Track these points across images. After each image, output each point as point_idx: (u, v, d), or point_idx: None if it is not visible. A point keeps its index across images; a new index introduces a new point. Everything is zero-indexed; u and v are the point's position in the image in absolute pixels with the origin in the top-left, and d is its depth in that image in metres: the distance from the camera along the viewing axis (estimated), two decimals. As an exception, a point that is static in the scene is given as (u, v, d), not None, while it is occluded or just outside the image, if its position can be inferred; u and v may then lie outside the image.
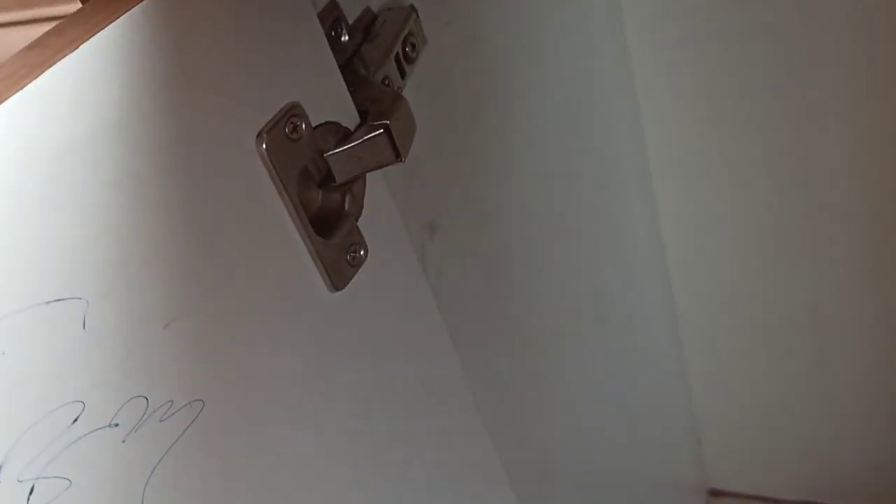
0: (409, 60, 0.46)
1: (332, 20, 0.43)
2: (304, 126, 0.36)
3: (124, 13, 0.29)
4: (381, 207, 0.42)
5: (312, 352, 0.38)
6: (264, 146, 0.34)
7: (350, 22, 0.45)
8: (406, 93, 0.48)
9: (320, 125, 0.37)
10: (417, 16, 0.47)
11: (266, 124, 0.34)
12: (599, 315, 0.82)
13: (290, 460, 0.37)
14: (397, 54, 0.44)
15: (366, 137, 0.38)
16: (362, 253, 0.40)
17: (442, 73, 0.54)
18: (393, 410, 0.44)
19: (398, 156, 0.39)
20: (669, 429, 1.12)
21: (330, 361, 0.39)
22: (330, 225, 0.39)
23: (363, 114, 0.40)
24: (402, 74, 0.45)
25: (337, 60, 0.43)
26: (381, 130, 0.38)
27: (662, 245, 1.03)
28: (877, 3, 0.76)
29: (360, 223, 0.40)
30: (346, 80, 0.42)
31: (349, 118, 0.39)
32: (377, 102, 0.40)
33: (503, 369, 0.63)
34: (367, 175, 0.41)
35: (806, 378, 1.09)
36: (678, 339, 1.12)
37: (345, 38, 0.44)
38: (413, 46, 0.46)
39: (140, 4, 0.29)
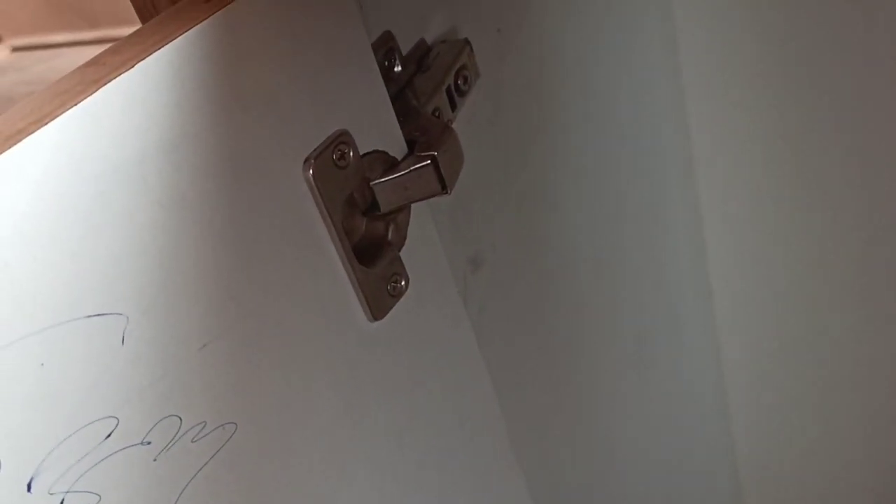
0: (461, 93, 0.46)
1: (385, 50, 0.43)
2: (351, 154, 0.36)
3: (181, 34, 0.29)
4: (424, 239, 0.42)
5: (348, 381, 0.38)
6: (311, 172, 0.34)
7: (404, 53, 0.45)
8: (457, 125, 0.48)
9: (368, 153, 0.37)
10: (471, 49, 0.47)
11: (314, 150, 0.34)
12: (639, 358, 0.80)
13: (319, 489, 0.37)
14: (449, 87, 0.44)
15: (412, 168, 0.38)
16: (403, 283, 0.40)
17: (494, 106, 0.54)
18: (426, 445, 0.43)
19: (444, 188, 0.39)
20: (709, 478, 1.09)
21: (365, 391, 0.39)
22: (372, 254, 0.38)
23: (411, 144, 0.40)
24: (454, 107, 0.45)
25: (389, 91, 0.43)
26: (429, 161, 0.38)
27: (710, 291, 1.01)
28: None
29: (402, 254, 0.40)
30: (396, 110, 0.42)
31: (397, 148, 0.39)
32: (426, 133, 0.40)
33: (541, 409, 0.62)
34: (413, 206, 0.41)
35: (856, 433, 1.06)
36: (723, 388, 1.09)
37: (398, 68, 0.44)
38: (465, 79, 0.46)
39: (197, 26, 0.30)
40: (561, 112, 0.63)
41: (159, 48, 0.29)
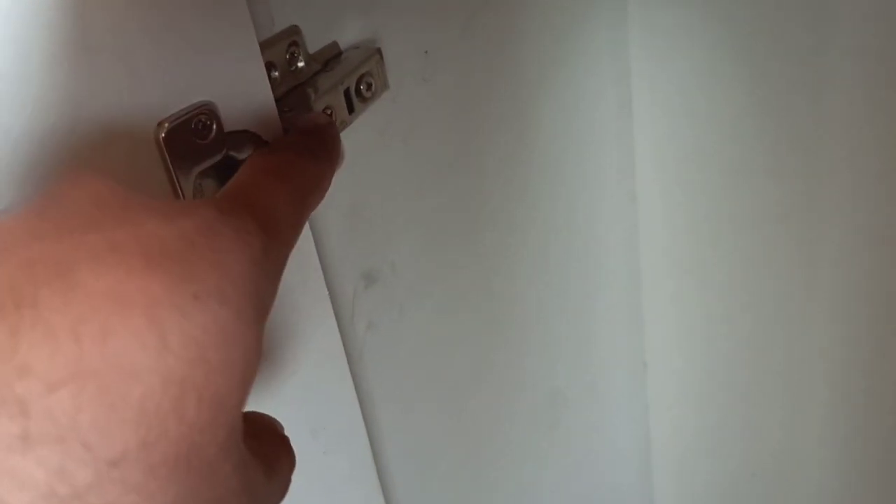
0: (363, 99, 0.45)
1: (289, 42, 0.43)
2: (214, 127, 0.35)
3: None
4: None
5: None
6: (163, 135, 0.33)
7: (312, 52, 0.45)
8: (360, 134, 0.48)
9: (235, 132, 0.37)
10: (381, 57, 0.46)
11: (171, 115, 0.34)
12: (553, 414, 0.78)
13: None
14: (348, 88, 0.44)
15: (283, 154, 0.37)
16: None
17: (410, 124, 0.53)
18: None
19: (316, 181, 0.38)
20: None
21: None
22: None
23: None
24: (351, 109, 0.44)
25: (286, 84, 0.43)
26: (300, 150, 0.37)
27: (643, 363, 1.00)
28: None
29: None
30: (289, 102, 0.42)
31: (272, 134, 0.39)
32: (305, 124, 0.39)
33: (428, 445, 0.61)
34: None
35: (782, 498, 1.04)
36: (648, 467, 1.07)
37: (301, 63, 0.43)
38: (369, 86, 0.45)
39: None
40: (489, 146, 0.62)
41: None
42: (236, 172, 0.32)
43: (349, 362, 0.50)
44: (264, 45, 0.41)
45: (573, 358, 0.81)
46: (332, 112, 0.43)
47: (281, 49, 0.42)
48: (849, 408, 0.91)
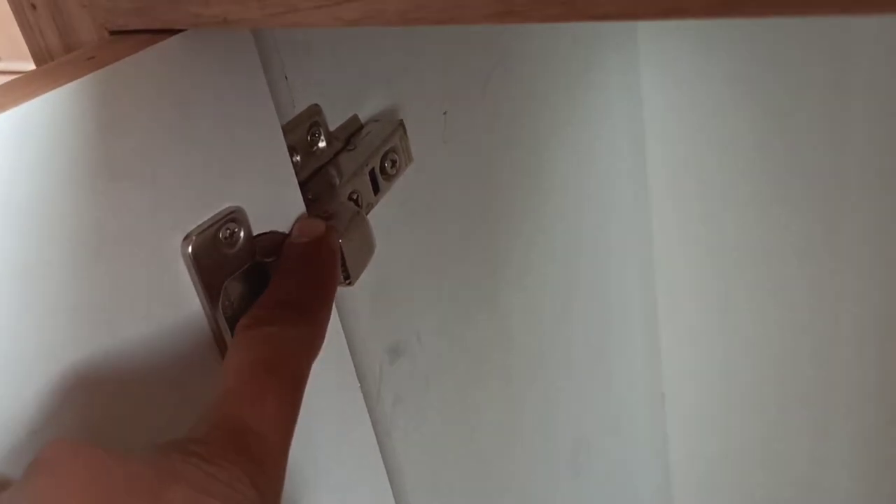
0: (388, 176, 0.43)
1: (309, 124, 0.41)
2: (242, 233, 0.33)
3: (49, 90, 0.27)
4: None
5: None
6: (190, 249, 0.31)
7: (333, 128, 0.43)
8: (386, 208, 0.46)
9: (264, 234, 0.35)
10: (404, 131, 0.45)
11: (198, 227, 0.32)
12: (577, 465, 0.77)
13: None
14: (373, 169, 0.42)
15: (313, 254, 0.36)
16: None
17: (432, 192, 0.51)
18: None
19: (347, 278, 0.36)
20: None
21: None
22: (259, 341, 0.35)
23: (318, 227, 0.37)
24: (376, 190, 0.42)
25: (310, 166, 0.41)
26: (331, 249, 0.36)
27: (661, 394, 0.98)
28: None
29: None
30: (314, 188, 0.40)
31: (300, 229, 0.37)
32: (334, 218, 0.37)
33: (458, 511, 0.59)
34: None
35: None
36: (670, 500, 1.05)
37: (322, 143, 0.41)
38: (394, 163, 0.43)
39: (69, 84, 0.27)
40: (509, 204, 0.60)
41: (21, 102, 0.26)
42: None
43: (378, 439, 0.49)
44: (285, 130, 0.39)
45: (595, 402, 0.80)
46: (358, 197, 0.41)
47: (302, 131, 0.40)
48: (873, 437, 0.90)
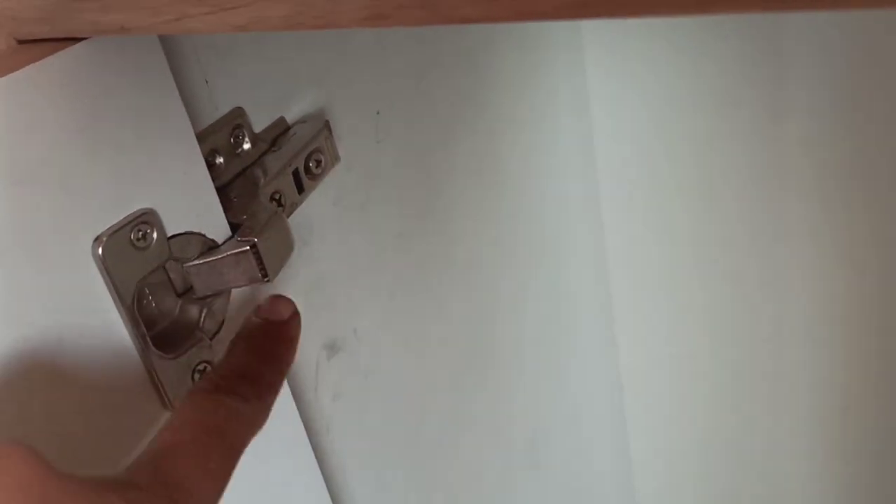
0: (313, 176, 0.44)
1: (233, 126, 0.41)
2: (155, 234, 0.34)
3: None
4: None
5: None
6: (101, 251, 0.32)
7: (259, 130, 0.44)
8: (313, 209, 0.47)
9: (179, 235, 0.36)
10: (330, 131, 0.45)
11: (108, 229, 0.32)
12: (534, 457, 0.78)
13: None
14: (297, 169, 0.43)
15: (229, 253, 0.36)
16: (212, 373, 0.37)
17: (367, 191, 0.52)
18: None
19: (265, 275, 0.37)
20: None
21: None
22: (177, 340, 0.36)
23: (236, 228, 0.38)
24: (300, 189, 0.43)
25: (233, 168, 0.42)
26: (248, 247, 0.36)
27: (619, 385, 0.99)
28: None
29: (215, 341, 0.38)
30: (237, 190, 0.41)
31: (219, 231, 0.37)
32: (252, 218, 0.38)
33: (404, 505, 0.60)
34: (237, 292, 0.39)
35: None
36: (631, 492, 1.07)
37: (247, 145, 0.42)
38: (318, 163, 0.44)
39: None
40: (450, 202, 0.61)
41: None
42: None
43: (316, 436, 0.50)
44: (206, 133, 0.40)
45: (551, 395, 0.81)
46: (280, 196, 0.42)
47: (225, 134, 0.41)
48: (830, 423, 0.91)
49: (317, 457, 0.48)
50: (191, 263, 0.36)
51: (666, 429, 1.02)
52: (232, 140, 0.42)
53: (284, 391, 0.44)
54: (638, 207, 0.86)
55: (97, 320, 0.33)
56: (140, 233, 0.33)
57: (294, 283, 0.47)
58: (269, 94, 0.44)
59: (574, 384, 0.87)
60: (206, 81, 0.40)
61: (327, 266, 0.49)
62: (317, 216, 0.48)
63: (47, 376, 0.32)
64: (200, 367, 0.37)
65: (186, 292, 0.37)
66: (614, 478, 1.00)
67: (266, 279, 0.37)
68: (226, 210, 0.38)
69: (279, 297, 0.38)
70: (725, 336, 0.92)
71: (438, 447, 0.62)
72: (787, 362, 0.90)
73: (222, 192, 0.39)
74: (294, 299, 0.47)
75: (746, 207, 0.82)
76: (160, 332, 0.36)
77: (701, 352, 0.94)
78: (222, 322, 0.38)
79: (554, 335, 0.81)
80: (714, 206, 0.82)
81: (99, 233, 0.32)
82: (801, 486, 0.97)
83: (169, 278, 0.37)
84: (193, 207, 0.36)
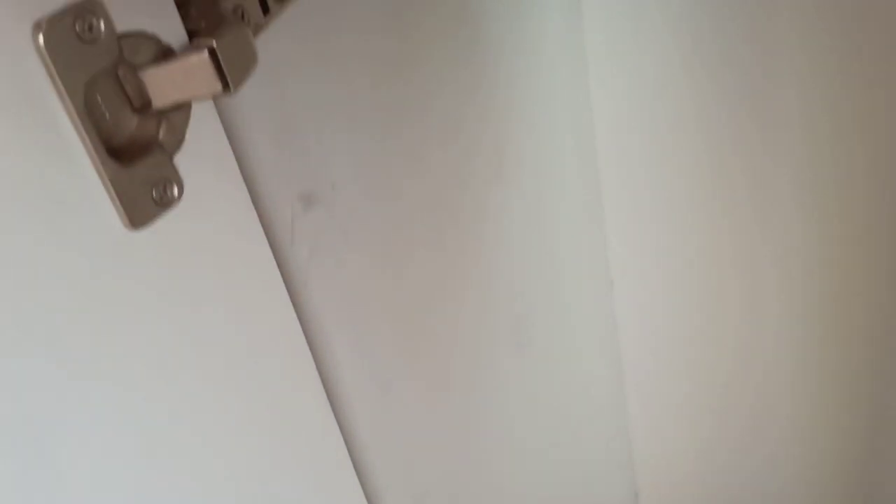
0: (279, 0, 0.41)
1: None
2: (102, 27, 0.31)
3: None
4: (212, 145, 0.37)
5: (94, 289, 0.33)
6: (41, 39, 0.29)
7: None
8: (280, 43, 0.44)
9: (129, 34, 0.33)
10: (296, -46, 0.42)
11: (49, 14, 0.30)
12: (520, 337, 0.76)
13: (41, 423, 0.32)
14: (261, -13, 0.40)
15: (187, 58, 0.34)
16: (175, 192, 0.35)
17: (339, 32, 0.49)
18: (204, 377, 0.38)
19: (226, 85, 0.35)
20: (606, 480, 1.05)
21: (116, 304, 0.34)
22: (135, 153, 0.34)
23: (193, 34, 0.35)
24: (265, 10, 0.40)
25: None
26: (205, 52, 0.34)
27: (610, 281, 0.98)
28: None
29: (178, 158, 0.35)
30: (196, 1, 0.38)
31: (174, 36, 0.35)
32: (211, 24, 0.35)
33: (389, 372, 0.58)
34: (196, 106, 0.36)
35: (758, 444, 1.03)
36: (621, 386, 1.06)
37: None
38: (286, -16, 0.41)
39: None
40: (432, 52, 0.58)
41: None
42: None
43: (294, 290, 0.47)
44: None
45: (539, 278, 0.79)
46: (243, 14, 0.39)
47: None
48: (814, 368, 0.91)
49: (296, 311, 0.46)
50: (145, 70, 0.33)
51: (655, 325, 1.01)
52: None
53: (261, 241, 0.42)
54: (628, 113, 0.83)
55: (40, 121, 0.30)
56: (85, 24, 0.31)
57: (262, 122, 0.44)
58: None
59: (562, 270, 0.85)
60: None
61: (299, 110, 0.47)
62: (285, 54, 0.45)
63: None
64: (161, 184, 0.34)
65: (144, 107, 0.35)
66: (604, 366, 0.99)
67: (227, 89, 0.34)
68: (183, 19, 0.35)
69: None
70: (713, 230, 0.90)
71: (422, 309, 0.60)
72: (770, 302, 0.90)
73: (180, 2, 0.36)
74: (263, 140, 0.45)
75: (741, 139, 0.80)
76: (115, 148, 0.34)
77: (691, 251, 0.92)
78: (182, 137, 0.36)
79: (539, 213, 0.79)
80: (710, 136, 0.81)
81: (37, 18, 0.29)
82: (784, 425, 0.97)
83: (124, 90, 0.34)
84: (145, 5, 0.33)
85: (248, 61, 0.36)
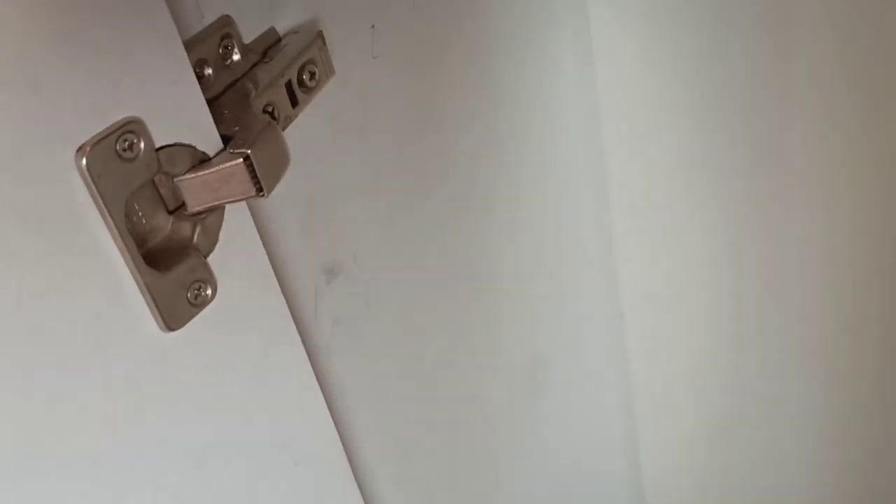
0: (307, 89, 0.42)
1: (221, 35, 0.39)
2: (142, 144, 0.32)
3: None
4: (243, 244, 0.38)
5: (130, 396, 0.34)
6: (84, 161, 0.30)
7: (248, 41, 0.41)
8: (308, 126, 0.45)
9: (167, 146, 0.34)
10: (324, 42, 0.43)
11: (92, 138, 0.30)
12: (535, 383, 0.77)
13: (86, 518, 0.33)
14: (290, 81, 0.41)
15: (222, 166, 0.35)
16: (209, 292, 0.36)
17: (364, 109, 0.50)
18: (235, 471, 0.39)
19: (260, 190, 0.35)
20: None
21: (153, 410, 0.35)
22: (170, 258, 0.35)
23: (229, 140, 0.36)
24: (294, 103, 0.41)
25: (223, 80, 0.39)
26: (241, 159, 0.35)
27: (620, 314, 0.98)
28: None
29: (211, 259, 0.36)
30: (229, 101, 0.39)
31: (210, 143, 0.35)
32: (245, 129, 0.36)
33: (410, 436, 0.59)
34: (231, 208, 0.37)
35: (766, 470, 1.04)
36: (632, 416, 1.07)
37: (236, 56, 0.40)
38: (312, 75, 0.42)
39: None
40: (448, 121, 0.59)
41: None
42: None
43: (318, 361, 0.48)
44: (193, 42, 0.37)
45: (552, 319, 0.80)
46: (274, 109, 0.39)
47: (213, 43, 0.39)
48: (825, 347, 0.91)
49: (318, 381, 0.47)
50: (182, 178, 0.34)
51: (665, 356, 1.01)
52: (221, 50, 0.39)
53: (284, 315, 0.42)
54: (638, 133, 0.84)
55: (85, 238, 0.31)
56: (126, 143, 0.31)
57: (289, 203, 0.45)
58: (257, 3, 0.42)
59: (574, 310, 0.86)
60: (191, -13, 0.38)
61: (323, 186, 0.48)
62: (312, 135, 0.46)
63: (20, 303, 0.30)
64: (196, 286, 0.35)
65: (178, 209, 0.36)
66: (614, 403, 0.99)
67: (261, 193, 0.35)
68: (217, 123, 0.36)
69: None
70: (722, 263, 0.91)
71: (441, 370, 0.61)
72: (782, 286, 0.89)
73: (212, 104, 0.37)
74: (289, 221, 0.45)
75: (752, 135, 0.80)
76: (151, 251, 0.34)
77: (699, 278, 0.93)
78: (216, 239, 0.37)
79: (552, 260, 0.79)
80: (718, 126, 0.80)
81: (81, 142, 0.30)
82: (795, 408, 0.97)
83: (159, 194, 0.35)
84: (182, 118, 0.34)
85: (281, 164, 0.36)
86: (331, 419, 0.45)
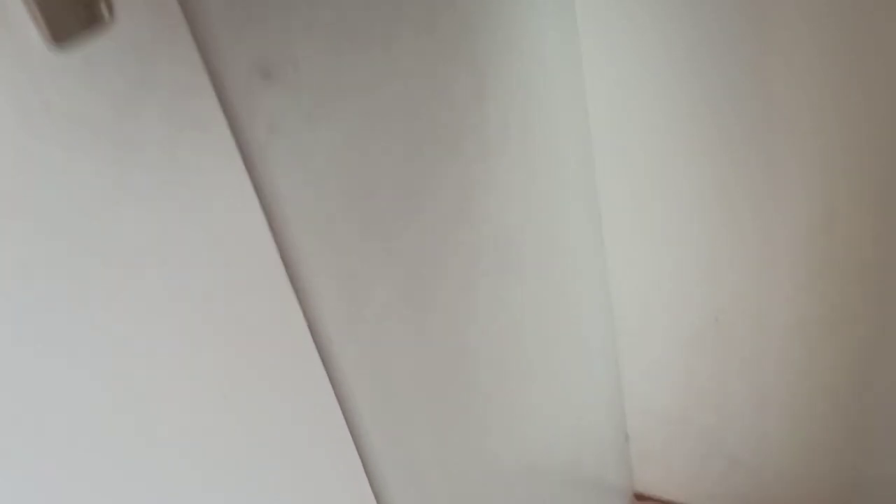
0: None
1: None
2: None
3: None
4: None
5: (10, 111, 0.30)
6: None
7: None
8: None
9: None
10: None
11: None
12: (508, 252, 0.74)
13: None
14: None
15: None
16: (104, 11, 0.32)
17: None
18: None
19: None
20: (597, 420, 1.03)
21: (40, 125, 0.31)
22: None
23: None
24: None
25: None
26: None
27: (601, 240, 0.95)
28: None
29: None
30: None
31: None
32: None
33: (362, 271, 0.55)
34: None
35: (738, 387, 1.01)
36: (612, 328, 1.04)
37: None
38: None
39: None
40: None
41: None
42: None
43: (249, 158, 0.45)
44: None
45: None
46: None
47: None
48: (808, 326, 0.89)
49: (251, 178, 0.43)
50: None
51: (644, 249, 0.98)
52: None
53: (198, 69, 0.38)
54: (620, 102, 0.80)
55: None
56: None
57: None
58: None
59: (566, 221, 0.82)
60: None
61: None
62: None
63: None
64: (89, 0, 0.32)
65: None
66: (597, 315, 0.96)
67: None
68: None
69: None
70: (711, 249, 0.89)
71: (390, 206, 0.57)
72: (772, 264, 0.88)
73: None
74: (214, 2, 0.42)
75: (730, 115, 0.78)
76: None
77: (691, 261, 0.91)
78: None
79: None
80: (701, 114, 0.79)
81: None
82: (778, 370, 0.95)
83: None
84: None
85: None
86: (261, 212, 0.41)
